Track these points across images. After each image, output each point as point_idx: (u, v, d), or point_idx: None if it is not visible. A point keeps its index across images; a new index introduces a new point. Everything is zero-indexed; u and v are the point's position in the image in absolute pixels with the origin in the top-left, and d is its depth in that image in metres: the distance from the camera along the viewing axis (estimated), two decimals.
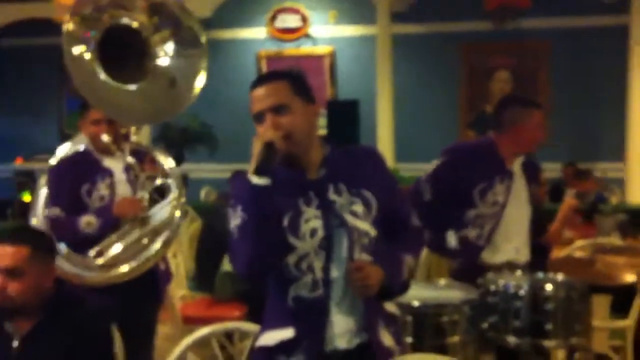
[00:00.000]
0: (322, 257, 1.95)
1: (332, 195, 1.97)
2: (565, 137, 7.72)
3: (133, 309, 2.97)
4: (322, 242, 1.95)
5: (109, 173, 3.06)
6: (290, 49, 8.39)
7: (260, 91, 1.98)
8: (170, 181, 3.17)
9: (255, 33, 8.46)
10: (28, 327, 2.22)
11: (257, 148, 1.89)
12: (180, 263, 4.48)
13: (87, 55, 2.80)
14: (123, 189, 3.07)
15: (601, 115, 7.71)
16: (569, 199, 3.39)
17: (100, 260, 2.96)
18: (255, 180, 1.88)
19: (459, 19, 7.93)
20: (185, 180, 5.80)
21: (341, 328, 1.97)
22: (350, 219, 1.97)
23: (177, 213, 3.12)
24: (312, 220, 1.95)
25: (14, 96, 8.93)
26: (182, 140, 7.12)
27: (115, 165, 3.08)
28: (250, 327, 2.41)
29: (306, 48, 8.38)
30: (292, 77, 2.02)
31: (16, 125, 8.91)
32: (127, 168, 3.09)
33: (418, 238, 2.21)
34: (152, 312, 3.24)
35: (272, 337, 2.00)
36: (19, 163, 8.51)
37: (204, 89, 8.39)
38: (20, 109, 8.92)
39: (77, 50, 2.78)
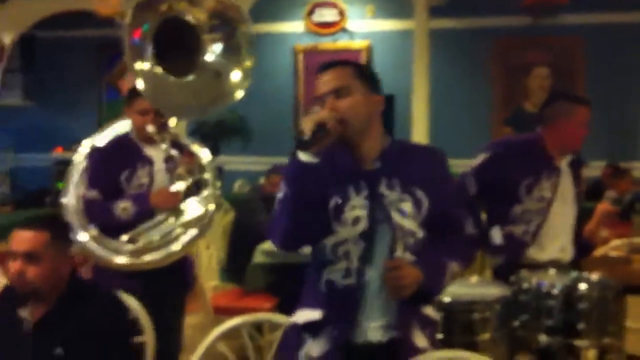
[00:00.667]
0: (361, 248, 1.95)
1: (383, 189, 1.97)
2: (603, 134, 7.58)
3: (160, 293, 3.01)
4: (364, 233, 1.95)
5: (149, 161, 3.10)
6: (327, 43, 8.39)
7: (324, 76, 2.01)
8: (207, 175, 3.21)
9: (293, 27, 8.47)
10: (41, 312, 2.25)
11: (306, 125, 1.90)
12: (213, 254, 4.52)
13: (148, 59, 2.83)
14: (161, 178, 3.11)
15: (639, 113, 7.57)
16: (604, 204, 3.35)
17: (131, 247, 3.01)
18: (302, 156, 1.88)
19: (495, 13, 7.84)
20: (220, 173, 5.84)
21: (373, 322, 1.97)
22: (396, 216, 1.96)
23: (212, 207, 3.16)
24: (357, 209, 1.95)
25: (53, 87, 9.08)
26: (217, 132, 7.17)
27: (155, 154, 3.12)
28: (281, 318, 2.41)
29: (343, 42, 8.36)
30: (357, 64, 2.07)
31: (56, 116, 9.07)
32: (168, 158, 3.14)
33: (470, 246, 2.15)
34: (179, 296, 3.28)
35: (303, 315, 2.03)
36: (58, 152, 8.67)
37: None
38: (60, 100, 9.07)
39: (140, 62, 2.82)
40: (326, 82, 1.99)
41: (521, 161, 3.03)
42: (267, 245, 4.32)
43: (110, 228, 3.02)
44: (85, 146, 3.23)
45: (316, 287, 2.02)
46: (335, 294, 1.97)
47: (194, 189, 3.17)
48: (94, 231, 3.01)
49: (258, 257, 4.24)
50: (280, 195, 1.95)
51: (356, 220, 1.95)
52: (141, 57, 2.80)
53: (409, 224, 1.97)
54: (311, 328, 1.99)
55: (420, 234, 1.99)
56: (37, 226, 2.25)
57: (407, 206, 1.97)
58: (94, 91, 9.05)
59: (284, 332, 2.14)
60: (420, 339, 2.00)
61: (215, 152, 3.39)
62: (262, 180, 5.14)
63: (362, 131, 1.98)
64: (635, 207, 5.11)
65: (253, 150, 7.80)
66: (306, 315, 2.02)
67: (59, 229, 2.32)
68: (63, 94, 9.05)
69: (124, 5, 5.80)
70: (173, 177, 3.11)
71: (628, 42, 7.57)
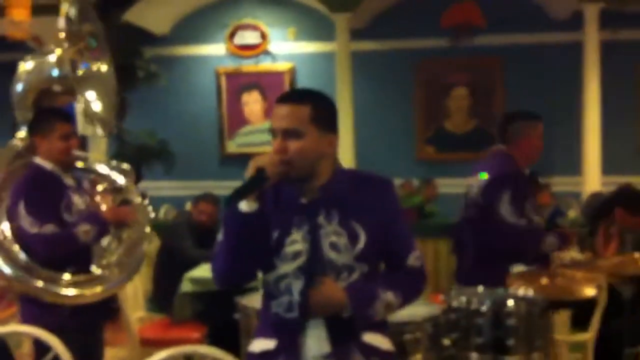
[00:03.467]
0: (301, 281, 1.93)
1: (321, 220, 1.95)
2: None
3: (78, 325, 2.93)
4: (304, 266, 1.93)
5: (74, 188, 3.06)
6: (249, 65, 8.36)
7: (281, 109, 1.94)
8: (129, 190, 3.19)
9: (214, 49, 8.41)
10: None
11: (249, 171, 1.86)
12: (138, 284, 4.38)
13: None
14: (92, 201, 3.09)
15: (557, 130, 7.83)
16: None
17: (106, 272, 3.03)
18: (241, 206, 1.87)
19: (415, 36, 8.01)
20: (145, 197, 5.69)
21: (315, 351, 1.96)
22: (328, 250, 1.94)
23: (150, 214, 3.29)
24: (298, 243, 1.94)
25: None
26: (138, 157, 7.00)
27: (70, 181, 3.05)
28: (208, 350, 2.36)
29: (265, 64, 8.36)
30: (316, 102, 1.97)
31: None
32: (78, 185, 3.09)
33: (413, 279, 2.07)
34: (98, 327, 3.21)
35: (258, 345, 2.02)
36: None
37: (162, 106, 8.29)
38: None
39: None
40: (280, 117, 1.93)
41: (526, 185, 3.16)
42: (195, 273, 4.22)
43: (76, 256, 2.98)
44: None
45: (267, 317, 2.02)
46: (282, 326, 1.97)
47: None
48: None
49: (186, 286, 4.15)
50: (219, 237, 1.94)
51: (296, 255, 1.94)
52: None
53: (343, 258, 1.95)
54: (266, 357, 1.99)
55: (358, 267, 1.96)
56: None
57: (341, 240, 1.94)
58: (7, 117, 8.70)
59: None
60: None
61: (137, 177, 3.35)
62: (188, 206, 5.02)
63: (309, 171, 1.95)
64: (557, 222, 5.26)
65: (177, 175, 7.66)
66: (261, 344, 2.02)
67: None
68: None
69: (35, 28, 5.64)
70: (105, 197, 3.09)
71: (546, 62, 7.86)
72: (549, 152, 7.84)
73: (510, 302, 2.75)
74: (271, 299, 1.99)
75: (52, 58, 3.22)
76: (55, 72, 3.23)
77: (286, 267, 1.94)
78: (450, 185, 6.93)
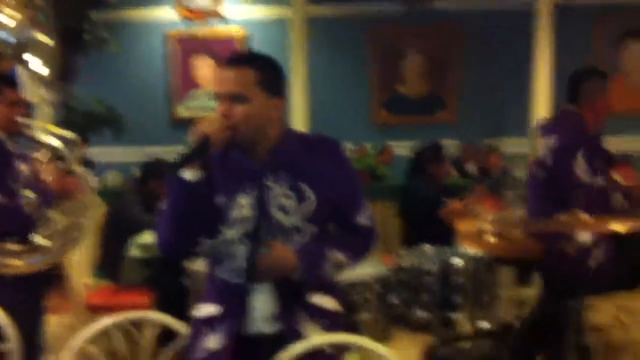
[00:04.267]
0: (247, 246, 1.93)
1: (270, 183, 1.93)
2: (475, 115, 7.89)
3: (36, 297, 2.88)
4: (249, 233, 1.92)
5: (20, 156, 3.00)
6: (201, 29, 8.19)
7: (225, 73, 1.91)
8: (73, 159, 3.14)
9: (164, 13, 8.21)
10: None
11: (193, 138, 1.84)
12: (84, 250, 4.30)
13: None
14: (38, 169, 3.03)
15: (510, 93, 7.91)
16: (455, 204, 3.58)
17: (49, 242, 2.97)
18: (185, 174, 1.84)
19: (371, 0, 7.95)
20: (91, 165, 5.56)
21: (263, 313, 1.96)
22: (276, 212, 1.92)
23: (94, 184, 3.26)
24: (244, 208, 1.92)
25: None
26: (86, 123, 6.83)
27: (15, 149, 2.98)
28: (156, 316, 2.34)
29: (218, 29, 8.20)
30: (262, 65, 1.94)
31: None
32: (22, 153, 3.01)
33: (362, 238, 2.08)
34: (36, 295, 3.15)
35: (203, 310, 2.03)
36: None
37: (111, 71, 8.07)
38: None
39: None
40: (225, 81, 1.91)
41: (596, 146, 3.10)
42: (143, 239, 4.17)
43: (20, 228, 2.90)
44: None
45: (213, 282, 2.02)
46: (228, 291, 1.97)
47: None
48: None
49: (133, 251, 4.10)
50: (163, 206, 1.93)
51: (242, 220, 1.93)
52: None
53: (292, 220, 1.95)
54: (209, 322, 2.00)
55: (307, 228, 1.96)
56: None
57: (290, 202, 1.94)
58: None
59: (191, 325, 2.12)
60: (312, 330, 1.97)
61: (84, 144, 3.30)
62: (137, 173, 4.91)
63: (255, 135, 1.92)
64: (503, 182, 5.32)
65: (125, 140, 7.49)
66: (205, 309, 2.02)
67: None
68: None
69: None
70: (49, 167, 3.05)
71: (500, 28, 7.89)
72: (501, 115, 7.98)
73: (457, 260, 2.77)
74: (216, 264, 1.98)
75: (6, 22, 3.13)
76: (10, 38, 3.13)
77: (232, 233, 1.93)
78: (402, 147, 6.96)
